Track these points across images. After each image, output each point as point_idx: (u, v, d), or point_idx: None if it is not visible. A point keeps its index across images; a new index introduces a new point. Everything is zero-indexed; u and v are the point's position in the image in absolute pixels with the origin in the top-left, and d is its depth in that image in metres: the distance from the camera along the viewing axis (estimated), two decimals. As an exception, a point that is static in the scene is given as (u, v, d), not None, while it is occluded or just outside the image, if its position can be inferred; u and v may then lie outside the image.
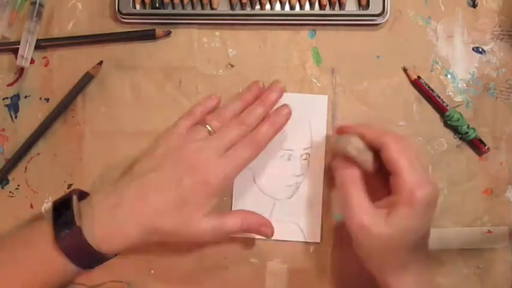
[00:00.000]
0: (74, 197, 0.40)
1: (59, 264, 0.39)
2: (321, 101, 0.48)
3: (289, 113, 0.44)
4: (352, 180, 0.40)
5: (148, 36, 0.48)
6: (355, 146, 0.40)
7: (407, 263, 0.39)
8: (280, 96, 0.46)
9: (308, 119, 0.47)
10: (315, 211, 0.47)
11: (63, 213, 0.39)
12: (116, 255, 0.41)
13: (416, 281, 0.40)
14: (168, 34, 0.48)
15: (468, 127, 0.47)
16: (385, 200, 0.40)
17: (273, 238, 0.46)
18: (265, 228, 0.44)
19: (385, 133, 0.40)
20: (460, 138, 0.47)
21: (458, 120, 0.46)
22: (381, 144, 0.40)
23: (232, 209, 0.47)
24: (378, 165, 0.41)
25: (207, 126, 0.43)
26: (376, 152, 0.41)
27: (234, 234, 0.44)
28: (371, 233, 0.38)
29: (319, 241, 0.47)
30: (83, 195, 0.42)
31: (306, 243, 0.47)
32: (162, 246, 0.46)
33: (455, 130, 0.47)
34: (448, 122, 0.47)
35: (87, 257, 0.39)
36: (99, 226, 0.39)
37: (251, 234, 0.46)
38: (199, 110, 0.45)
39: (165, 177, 0.40)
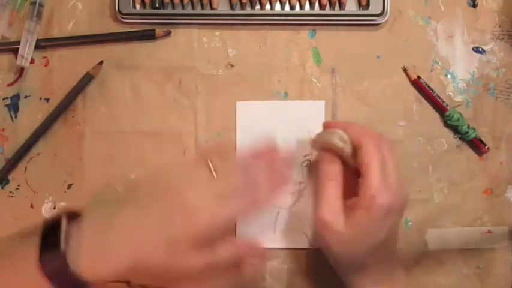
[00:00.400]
0: (64, 219, 0.38)
1: None
2: (319, 107, 0.48)
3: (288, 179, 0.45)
4: (330, 176, 0.41)
5: (148, 36, 0.48)
6: (340, 137, 0.41)
7: (368, 264, 0.40)
8: (288, 165, 0.44)
9: (307, 125, 0.47)
10: None
11: (50, 235, 0.37)
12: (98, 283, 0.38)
13: (376, 281, 0.40)
14: (168, 34, 0.48)
15: (468, 127, 0.47)
16: (352, 200, 0.40)
17: (279, 247, 0.46)
18: (257, 253, 0.41)
19: (366, 133, 0.40)
20: (460, 138, 0.47)
21: (458, 120, 0.46)
22: (359, 144, 0.40)
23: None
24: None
25: (211, 165, 0.41)
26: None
27: (227, 262, 0.41)
28: (331, 231, 0.39)
29: None
30: (74, 215, 0.39)
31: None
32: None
33: (455, 130, 0.47)
34: (448, 122, 0.47)
35: (70, 284, 0.36)
36: (85, 254, 0.36)
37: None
38: (208, 148, 0.44)
39: (157, 214, 0.38)
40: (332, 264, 0.43)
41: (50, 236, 0.37)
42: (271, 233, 0.47)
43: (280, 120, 0.47)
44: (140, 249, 0.37)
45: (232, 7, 0.47)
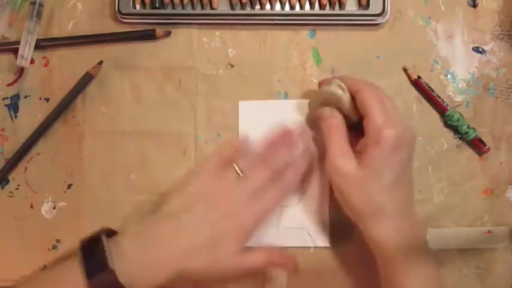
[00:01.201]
0: (103, 237, 0.39)
1: None
2: None
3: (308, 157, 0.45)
4: (334, 128, 0.41)
5: (148, 36, 0.48)
6: (339, 85, 0.42)
7: (383, 205, 0.39)
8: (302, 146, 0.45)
9: (306, 123, 0.47)
10: (322, 215, 0.47)
11: (94, 254, 0.37)
12: None
13: (396, 227, 0.39)
14: (168, 34, 0.48)
15: (468, 127, 0.47)
16: (359, 143, 0.41)
17: (282, 245, 0.46)
18: (289, 264, 0.43)
19: (360, 80, 0.42)
20: (460, 138, 0.47)
21: (459, 120, 0.46)
22: (357, 89, 0.41)
23: None
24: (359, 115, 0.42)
25: (235, 166, 0.43)
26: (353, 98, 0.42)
27: (257, 270, 0.44)
28: (344, 175, 0.39)
29: (328, 245, 0.47)
30: (110, 233, 0.41)
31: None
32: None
33: (455, 130, 0.47)
34: (448, 121, 0.47)
35: None
36: (131, 267, 0.37)
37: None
38: (227, 149, 0.45)
39: (197, 219, 0.40)
40: (350, 214, 0.41)
41: (94, 256, 0.37)
42: (275, 231, 0.47)
43: (283, 120, 0.47)
44: (183, 255, 0.39)
45: (232, 7, 0.47)
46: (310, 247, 0.47)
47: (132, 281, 0.37)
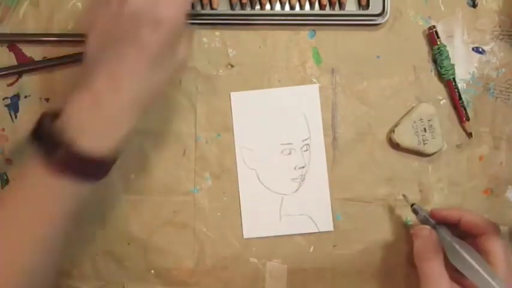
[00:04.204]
0: (47, 118, 0.36)
1: (66, 189, 0.35)
2: (313, 91, 0.48)
3: None
4: (435, 253, 0.40)
5: None
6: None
7: None
8: None
9: (303, 110, 0.48)
10: (323, 200, 0.47)
11: (44, 137, 0.35)
12: (116, 156, 0.37)
13: None
14: None
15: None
16: (466, 281, 0.39)
17: (287, 233, 0.46)
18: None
19: (484, 220, 0.42)
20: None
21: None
22: (482, 232, 0.41)
23: (242, 211, 0.47)
24: None
25: None
26: (469, 235, 0.41)
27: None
28: None
29: (332, 229, 0.47)
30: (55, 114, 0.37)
31: (306, 241, 0.47)
32: (163, 245, 0.46)
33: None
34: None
35: (89, 169, 0.35)
36: (87, 132, 0.35)
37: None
38: None
39: (127, 47, 0.36)
40: None
41: (45, 139, 0.35)
42: (277, 220, 0.47)
43: (276, 107, 0.48)
44: (134, 98, 0.36)
45: (232, 7, 0.47)
46: (314, 233, 0.47)
47: (94, 147, 0.35)
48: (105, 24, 0.37)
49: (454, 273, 0.40)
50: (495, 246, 0.40)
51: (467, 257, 0.39)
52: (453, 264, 0.39)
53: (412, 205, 0.45)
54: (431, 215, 0.44)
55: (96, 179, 0.36)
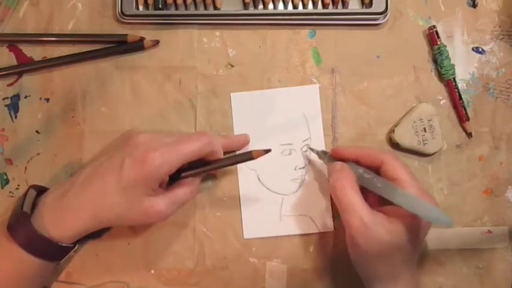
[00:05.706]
0: (31, 190, 0.43)
1: (22, 258, 0.39)
2: (313, 91, 0.48)
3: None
4: (350, 182, 0.41)
5: (136, 48, 0.47)
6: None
7: (399, 274, 0.40)
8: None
9: (303, 111, 0.48)
10: (323, 201, 0.47)
11: (17, 212, 0.41)
12: (74, 245, 0.42)
13: None
14: (156, 44, 0.48)
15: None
16: (385, 208, 0.40)
17: (287, 233, 0.46)
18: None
19: (383, 151, 0.43)
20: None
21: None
22: (381, 161, 0.41)
23: (242, 211, 0.47)
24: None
25: None
26: (375, 169, 0.42)
27: (188, 201, 0.43)
28: (371, 236, 0.38)
29: (332, 230, 0.47)
30: (43, 190, 0.44)
31: (306, 241, 0.47)
32: (162, 246, 0.46)
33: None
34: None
35: (41, 247, 0.40)
36: (48, 213, 0.40)
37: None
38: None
39: (111, 162, 0.41)
40: (361, 273, 0.42)
41: (16, 208, 0.41)
42: (277, 221, 0.47)
43: (276, 108, 0.48)
44: (96, 196, 0.40)
45: (245, 6, 0.47)
46: (314, 233, 0.47)
47: (51, 228, 0.40)
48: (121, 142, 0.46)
49: (372, 202, 0.41)
50: (400, 173, 0.40)
51: (381, 180, 0.40)
52: (370, 189, 0.40)
53: (310, 149, 0.46)
54: (333, 155, 0.45)
55: (51, 259, 0.41)
